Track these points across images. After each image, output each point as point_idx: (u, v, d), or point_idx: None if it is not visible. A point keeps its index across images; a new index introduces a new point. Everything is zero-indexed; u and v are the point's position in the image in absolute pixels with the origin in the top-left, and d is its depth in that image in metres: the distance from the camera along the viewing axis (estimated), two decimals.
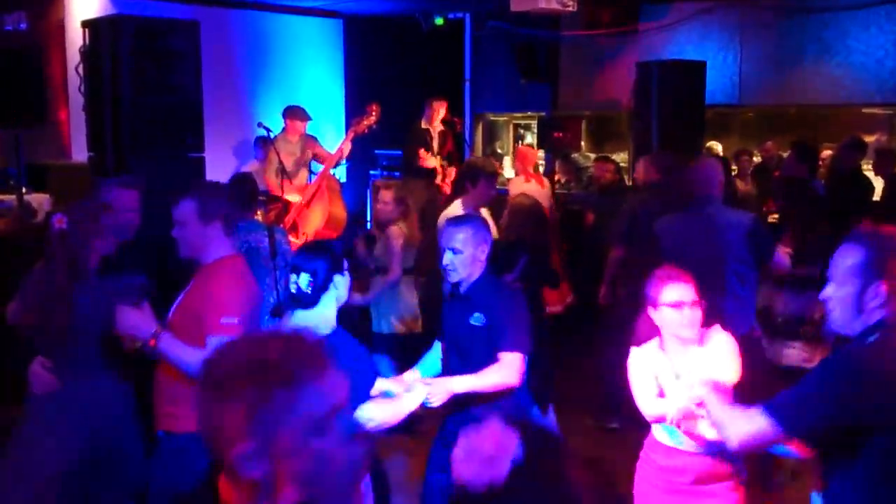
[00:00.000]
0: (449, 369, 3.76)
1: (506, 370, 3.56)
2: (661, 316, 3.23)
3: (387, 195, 6.05)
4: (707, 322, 3.69)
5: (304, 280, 3.15)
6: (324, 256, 3.20)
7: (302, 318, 3.16)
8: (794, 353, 5.31)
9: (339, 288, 3.23)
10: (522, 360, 3.60)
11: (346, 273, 3.28)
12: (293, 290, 3.18)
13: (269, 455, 1.27)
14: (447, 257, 3.67)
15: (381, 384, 3.29)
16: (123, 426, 3.59)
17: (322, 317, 3.17)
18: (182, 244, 3.45)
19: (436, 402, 3.44)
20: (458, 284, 3.72)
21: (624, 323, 3.80)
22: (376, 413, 3.11)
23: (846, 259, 2.43)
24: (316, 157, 8.17)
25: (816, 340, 5.28)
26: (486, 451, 1.23)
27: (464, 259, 3.65)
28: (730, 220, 4.56)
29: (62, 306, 3.37)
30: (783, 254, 4.62)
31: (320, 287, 3.17)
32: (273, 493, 1.28)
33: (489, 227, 4.09)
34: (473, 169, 5.93)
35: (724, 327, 4.45)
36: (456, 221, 3.87)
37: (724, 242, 4.48)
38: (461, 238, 3.66)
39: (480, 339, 3.62)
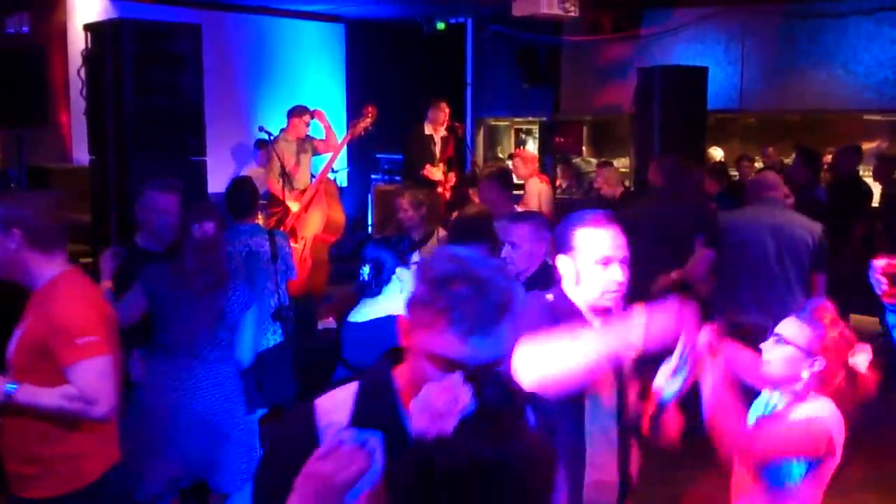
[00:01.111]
0: None
1: None
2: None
3: (404, 202, 6.01)
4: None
5: (366, 270, 3.37)
6: (388, 249, 3.43)
7: (369, 306, 3.38)
8: None
9: (405, 280, 3.39)
10: None
11: (411, 266, 3.44)
12: (360, 280, 3.38)
13: None
14: (506, 251, 3.85)
15: None
16: None
17: (386, 308, 3.34)
18: None
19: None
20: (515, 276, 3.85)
21: None
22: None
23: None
24: (316, 148, 8.16)
25: None
26: (437, 406, 1.32)
27: (522, 253, 3.81)
28: (798, 222, 4.80)
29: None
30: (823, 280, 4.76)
31: (383, 278, 3.38)
32: None
33: (549, 226, 4.16)
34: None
35: (770, 318, 4.54)
36: (516, 218, 4.13)
37: (790, 242, 4.74)
38: (520, 234, 3.84)
39: None
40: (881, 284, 2.76)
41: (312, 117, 8.18)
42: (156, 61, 4.92)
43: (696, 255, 5.90)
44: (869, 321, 7.91)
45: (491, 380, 1.41)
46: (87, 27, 5.11)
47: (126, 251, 4.16)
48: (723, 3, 9.82)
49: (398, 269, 3.43)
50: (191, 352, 3.71)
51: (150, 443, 3.63)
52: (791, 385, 2.72)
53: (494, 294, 1.47)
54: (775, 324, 2.85)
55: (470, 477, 1.25)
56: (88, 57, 5.03)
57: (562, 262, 2.63)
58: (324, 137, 8.19)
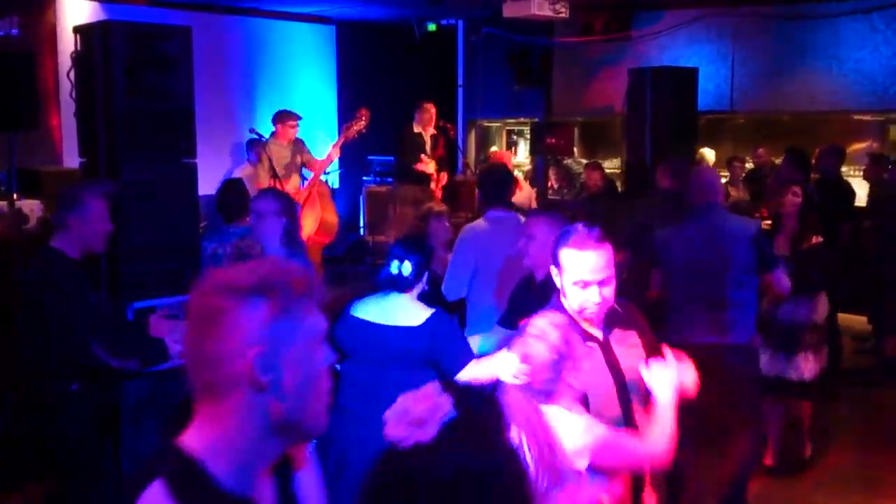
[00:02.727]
0: None
1: None
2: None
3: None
4: (709, 331, 3.68)
5: (407, 267, 3.52)
6: (421, 252, 3.59)
7: (395, 299, 3.53)
8: (805, 366, 5.22)
9: (424, 281, 3.62)
10: None
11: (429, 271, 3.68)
12: (395, 273, 3.51)
13: (280, 361, 1.38)
14: (522, 242, 3.95)
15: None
16: None
17: (412, 302, 3.54)
18: None
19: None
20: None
21: None
22: (473, 371, 3.37)
23: None
24: (305, 164, 8.16)
25: (820, 346, 5.26)
26: (417, 414, 1.32)
27: (535, 245, 3.84)
28: (733, 228, 4.53)
29: None
30: (782, 274, 4.58)
31: (418, 276, 3.55)
32: (280, 396, 1.38)
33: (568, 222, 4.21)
34: None
35: (725, 336, 4.42)
36: (536, 211, 4.39)
37: (728, 251, 4.43)
38: (536, 225, 3.90)
39: None
40: None
41: (299, 120, 8.18)
42: (146, 63, 4.90)
43: None
44: (858, 320, 7.97)
45: (472, 389, 1.42)
46: (77, 29, 5.09)
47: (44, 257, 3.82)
48: (713, 4, 9.85)
49: (425, 272, 3.62)
50: None
51: None
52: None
53: None
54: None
55: (452, 486, 1.25)
56: (78, 59, 5.00)
57: (553, 273, 2.81)
58: (314, 156, 8.20)
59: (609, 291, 2.67)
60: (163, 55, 4.97)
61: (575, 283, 2.68)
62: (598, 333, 2.75)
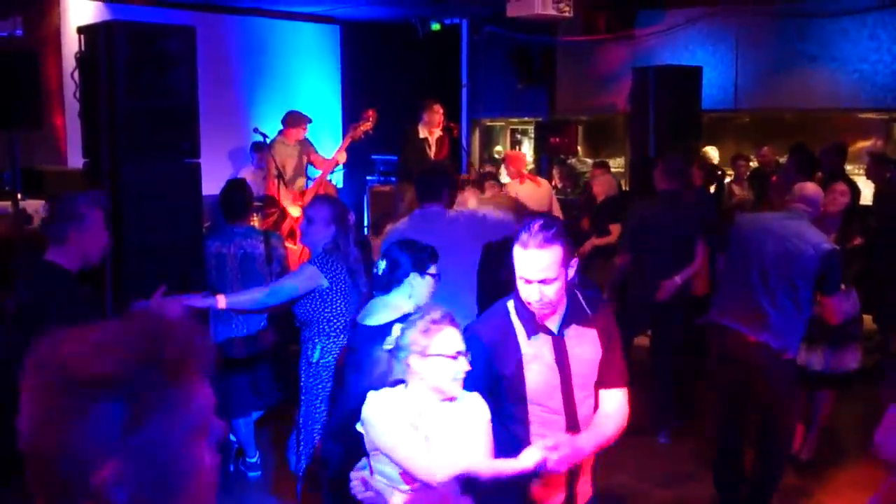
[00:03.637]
0: None
1: None
2: (429, 366, 2.72)
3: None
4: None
5: (381, 265, 3.42)
6: (408, 252, 3.43)
7: (378, 301, 3.44)
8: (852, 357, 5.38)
9: (416, 287, 3.41)
10: None
11: (427, 276, 3.44)
12: (374, 274, 3.45)
13: (144, 473, 1.05)
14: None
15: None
16: None
17: (392, 306, 3.34)
18: None
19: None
20: None
21: (627, 329, 3.80)
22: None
23: None
24: (312, 163, 8.16)
25: (839, 344, 5.31)
26: None
27: None
28: (810, 238, 4.55)
29: None
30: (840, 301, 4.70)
31: (393, 277, 3.40)
32: None
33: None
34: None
35: (760, 334, 4.49)
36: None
37: (799, 259, 4.50)
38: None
39: None
40: None
41: (309, 123, 8.18)
42: (150, 63, 4.90)
43: (697, 257, 5.91)
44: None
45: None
46: (81, 29, 5.10)
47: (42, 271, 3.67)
48: (716, 2, 9.83)
49: (412, 274, 3.43)
50: None
51: None
52: None
53: None
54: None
55: None
56: (82, 59, 5.01)
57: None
58: (321, 155, 8.20)
59: (551, 291, 2.72)
60: (166, 55, 4.98)
61: (520, 278, 2.77)
62: (554, 327, 2.82)
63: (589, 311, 2.87)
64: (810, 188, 4.78)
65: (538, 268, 2.70)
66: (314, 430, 4.06)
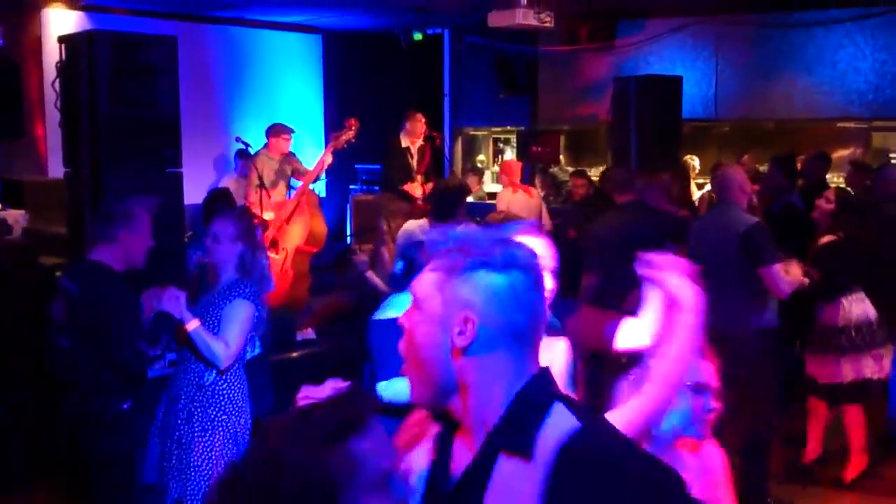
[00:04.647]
0: None
1: None
2: None
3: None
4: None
5: (399, 265, 3.53)
6: (415, 252, 3.48)
7: (394, 299, 3.42)
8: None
9: None
10: None
11: None
12: (394, 273, 3.58)
13: None
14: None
15: None
16: None
17: (407, 304, 3.34)
18: None
19: None
20: None
21: None
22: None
23: None
24: (294, 173, 8.14)
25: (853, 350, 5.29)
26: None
27: None
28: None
29: None
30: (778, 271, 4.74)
31: (411, 276, 3.36)
32: None
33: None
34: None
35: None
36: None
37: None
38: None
39: None
40: None
41: (292, 133, 8.17)
42: (131, 73, 4.89)
43: None
44: None
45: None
46: (62, 39, 5.08)
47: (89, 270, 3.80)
48: (697, 13, 9.91)
49: None
50: None
51: None
52: None
53: None
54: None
55: None
56: (63, 69, 4.99)
57: None
58: (305, 166, 8.18)
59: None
60: (148, 65, 4.96)
61: None
62: None
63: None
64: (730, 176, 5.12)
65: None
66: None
